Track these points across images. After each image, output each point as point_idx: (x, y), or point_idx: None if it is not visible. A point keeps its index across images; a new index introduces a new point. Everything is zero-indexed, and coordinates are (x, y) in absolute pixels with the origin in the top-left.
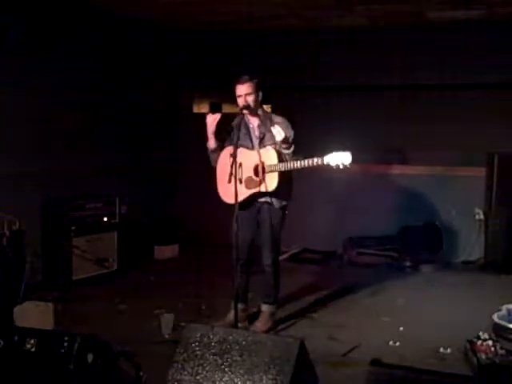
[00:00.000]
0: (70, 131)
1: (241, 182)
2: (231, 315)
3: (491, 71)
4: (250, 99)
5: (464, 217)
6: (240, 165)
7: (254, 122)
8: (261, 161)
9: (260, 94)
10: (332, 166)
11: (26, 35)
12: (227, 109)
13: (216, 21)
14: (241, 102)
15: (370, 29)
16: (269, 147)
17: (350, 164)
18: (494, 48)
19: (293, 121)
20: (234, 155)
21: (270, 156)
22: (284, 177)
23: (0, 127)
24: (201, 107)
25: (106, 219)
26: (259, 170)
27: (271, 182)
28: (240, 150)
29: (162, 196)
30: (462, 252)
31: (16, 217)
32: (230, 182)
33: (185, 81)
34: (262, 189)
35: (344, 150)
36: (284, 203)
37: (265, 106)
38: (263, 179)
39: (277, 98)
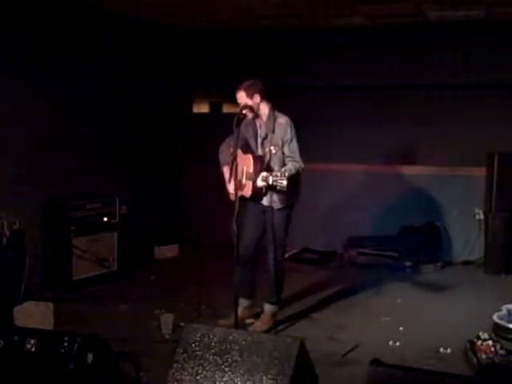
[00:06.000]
0: (69, 131)
1: (241, 183)
2: (238, 312)
3: (491, 71)
4: (249, 104)
5: (464, 217)
6: (237, 166)
7: (257, 122)
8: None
9: (256, 96)
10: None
11: (26, 37)
12: (227, 109)
13: (216, 21)
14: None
15: (370, 29)
16: (249, 155)
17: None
18: (493, 48)
19: (293, 121)
20: (233, 155)
21: (248, 163)
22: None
23: (0, 128)
24: (201, 107)
25: (106, 219)
26: (245, 175)
27: (247, 189)
28: (240, 154)
29: (161, 196)
30: (462, 252)
31: (16, 217)
32: (229, 182)
33: (185, 81)
34: (243, 192)
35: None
36: (285, 205)
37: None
38: (245, 184)
39: (276, 97)
